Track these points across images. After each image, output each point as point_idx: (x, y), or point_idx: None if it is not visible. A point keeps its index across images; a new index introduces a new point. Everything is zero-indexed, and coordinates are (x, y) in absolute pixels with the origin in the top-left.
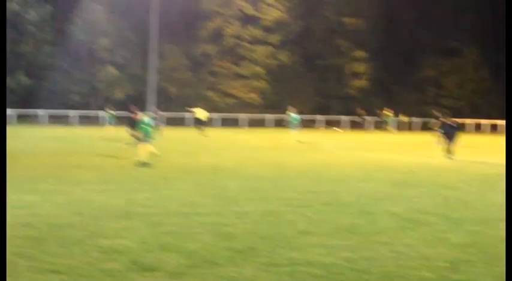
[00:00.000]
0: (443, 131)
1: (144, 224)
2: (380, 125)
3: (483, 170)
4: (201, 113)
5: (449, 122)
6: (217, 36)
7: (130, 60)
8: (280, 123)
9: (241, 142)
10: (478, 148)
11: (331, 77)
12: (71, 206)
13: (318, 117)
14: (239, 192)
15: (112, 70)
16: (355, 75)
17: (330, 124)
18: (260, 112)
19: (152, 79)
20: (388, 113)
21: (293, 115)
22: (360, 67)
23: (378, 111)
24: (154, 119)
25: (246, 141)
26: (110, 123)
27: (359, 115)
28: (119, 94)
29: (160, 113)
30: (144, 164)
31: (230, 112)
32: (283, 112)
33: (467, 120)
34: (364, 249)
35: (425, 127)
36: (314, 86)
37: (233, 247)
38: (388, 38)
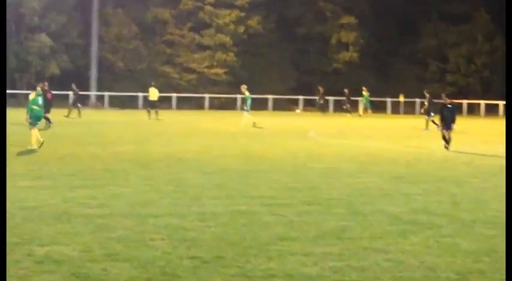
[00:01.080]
0: (436, 115)
1: (88, 228)
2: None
3: (497, 162)
4: (154, 93)
5: (445, 104)
6: None
7: (67, 27)
8: (252, 105)
9: (204, 127)
10: (490, 135)
11: (314, 48)
12: None
13: (299, 97)
14: (202, 188)
15: (45, 39)
16: (343, 46)
17: (311, 106)
18: (227, 91)
19: (94, 50)
20: (364, 92)
21: (247, 94)
22: (349, 36)
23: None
24: (74, 96)
25: (210, 126)
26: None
27: (320, 95)
28: (54, 69)
29: (75, 89)
30: (31, 151)
31: (191, 91)
32: (255, 91)
33: (478, 101)
34: (355, 257)
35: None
36: (293, 60)
37: (197, 255)
38: (382, 0)
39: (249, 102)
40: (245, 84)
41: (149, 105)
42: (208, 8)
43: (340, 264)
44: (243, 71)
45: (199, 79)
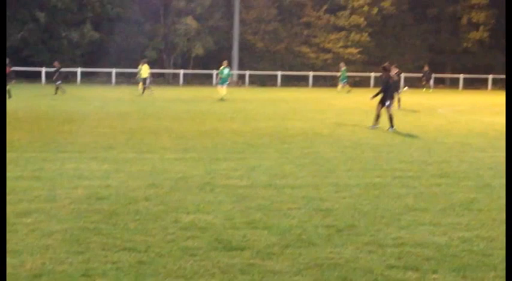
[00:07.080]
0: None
1: (229, 198)
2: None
3: None
4: (145, 70)
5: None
6: None
7: (211, 11)
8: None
9: (340, 104)
10: None
11: (445, 28)
12: (147, 177)
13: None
14: (337, 162)
15: (191, 22)
16: (474, 26)
17: (441, 83)
18: (361, 70)
19: (236, 32)
20: (343, 67)
21: (225, 70)
22: (479, 16)
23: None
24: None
25: (346, 103)
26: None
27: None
28: (198, 50)
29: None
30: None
31: (327, 70)
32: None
33: None
34: (484, 228)
35: None
36: (424, 40)
37: (331, 224)
38: None
39: (222, 75)
40: (378, 63)
41: (143, 81)
42: None
43: (468, 234)
44: (377, 50)
45: (335, 58)
